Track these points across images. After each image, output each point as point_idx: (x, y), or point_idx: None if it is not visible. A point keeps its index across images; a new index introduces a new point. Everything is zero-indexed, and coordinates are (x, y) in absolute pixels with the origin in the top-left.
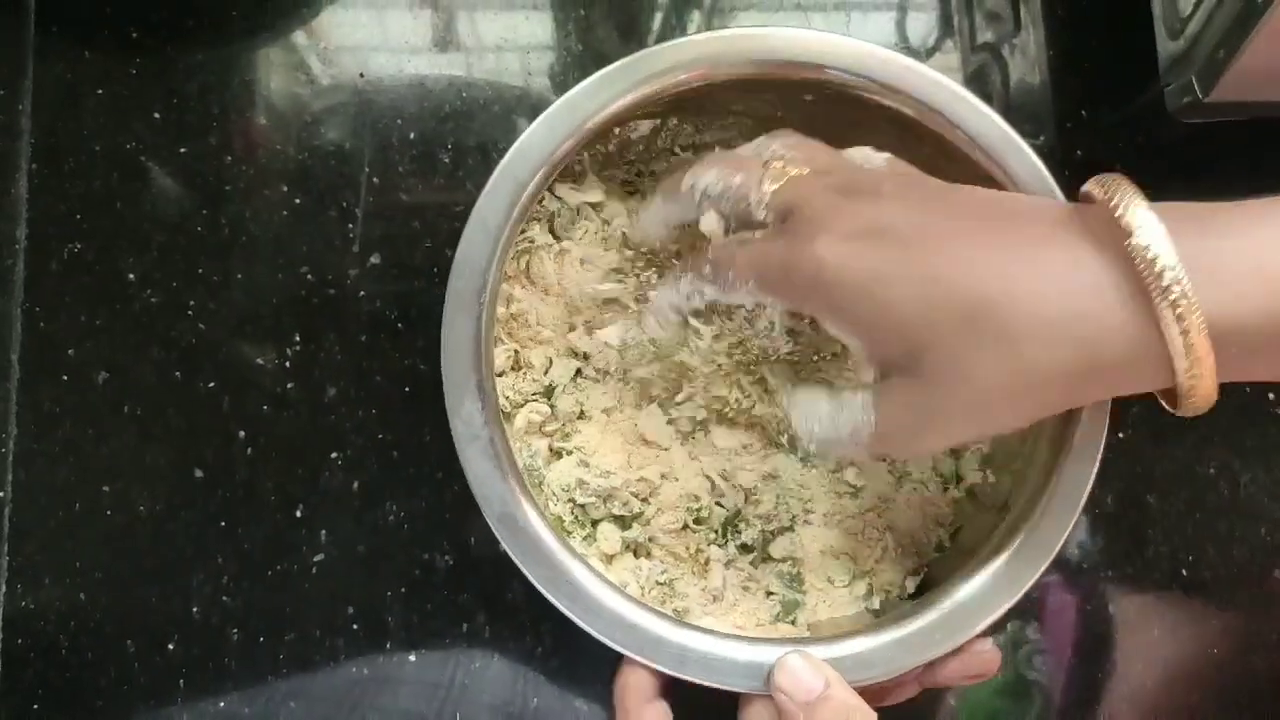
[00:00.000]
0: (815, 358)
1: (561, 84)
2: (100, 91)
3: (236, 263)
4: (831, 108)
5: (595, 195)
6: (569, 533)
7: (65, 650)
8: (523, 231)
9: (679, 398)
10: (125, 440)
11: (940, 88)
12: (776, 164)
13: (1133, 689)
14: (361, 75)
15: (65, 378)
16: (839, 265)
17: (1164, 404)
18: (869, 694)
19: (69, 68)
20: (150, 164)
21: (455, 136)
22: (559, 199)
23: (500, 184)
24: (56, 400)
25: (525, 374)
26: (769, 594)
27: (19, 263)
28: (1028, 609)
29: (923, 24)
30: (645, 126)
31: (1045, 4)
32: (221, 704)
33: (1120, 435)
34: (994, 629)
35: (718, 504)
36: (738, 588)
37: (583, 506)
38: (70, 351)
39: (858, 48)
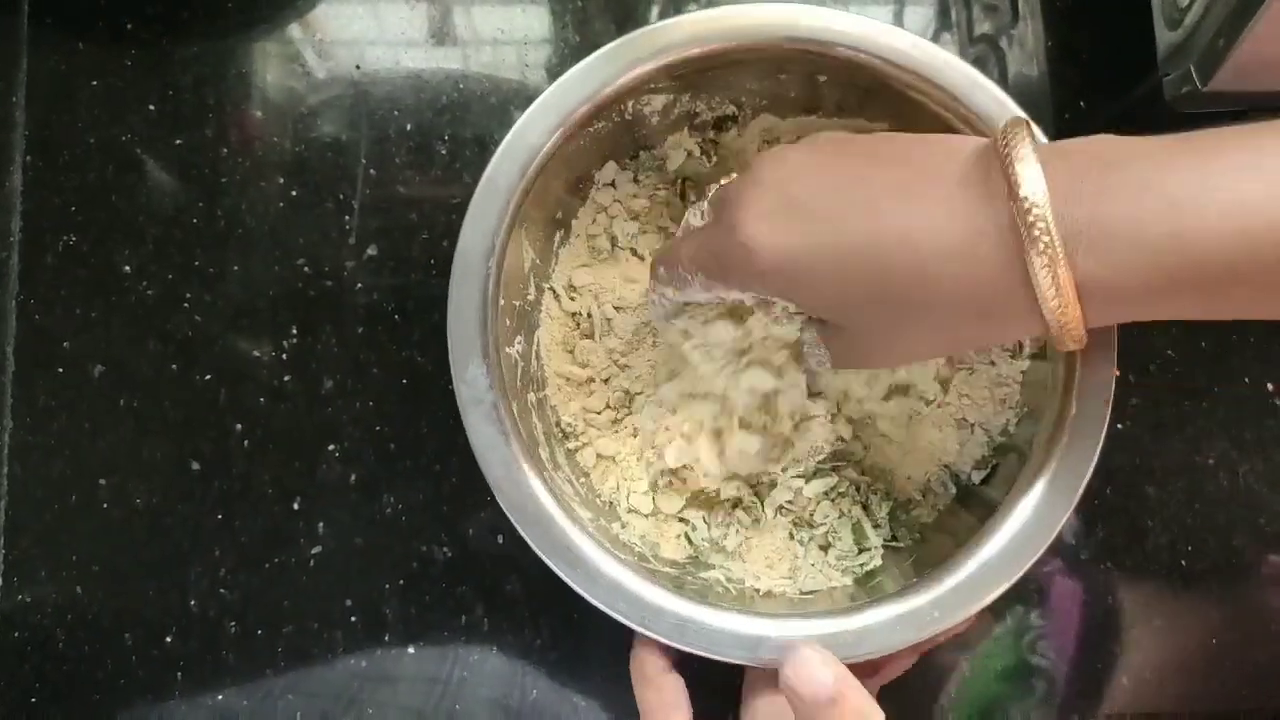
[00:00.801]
0: None
1: (559, 76)
2: (95, 84)
3: (232, 255)
4: (844, 90)
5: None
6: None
7: (62, 644)
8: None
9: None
10: (122, 433)
11: (953, 69)
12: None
13: (1134, 678)
14: (358, 67)
15: (61, 371)
16: (762, 246)
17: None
18: (862, 669)
19: (63, 60)
20: (145, 156)
21: (452, 129)
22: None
23: (512, 145)
24: (52, 393)
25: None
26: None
27: (14, 255)
28: (1031, 596)
29: (921, 15)
30: (658, 101)
31: None
32: (219, 697)
33: (1120, 426)
34: (996, 614)
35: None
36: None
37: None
38: (66, 344)
39: (868, 26)
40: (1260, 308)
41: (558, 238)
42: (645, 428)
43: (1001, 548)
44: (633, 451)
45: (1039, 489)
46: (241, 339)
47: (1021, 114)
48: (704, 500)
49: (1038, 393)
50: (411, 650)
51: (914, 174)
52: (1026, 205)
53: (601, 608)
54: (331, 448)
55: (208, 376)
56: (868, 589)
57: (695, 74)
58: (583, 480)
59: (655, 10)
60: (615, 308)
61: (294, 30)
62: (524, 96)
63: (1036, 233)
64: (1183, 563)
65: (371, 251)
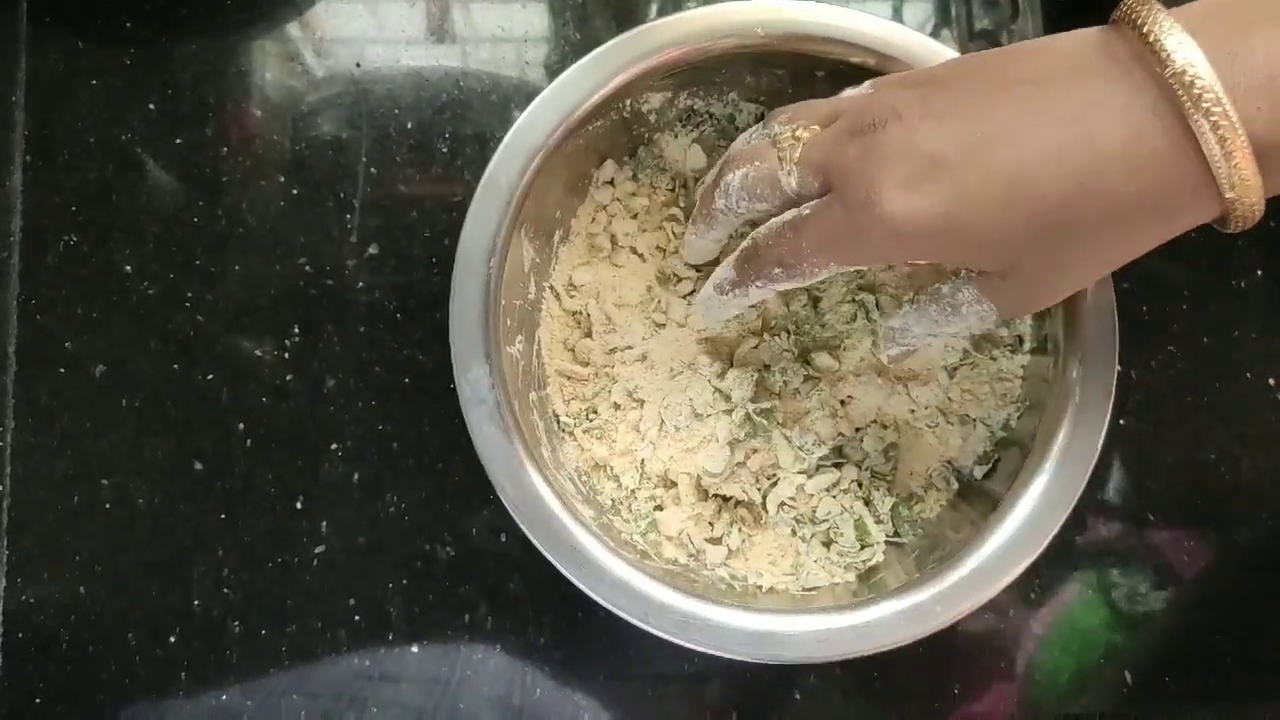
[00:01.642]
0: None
1: (559, 74)
2: (94, 83)
3: (233, 254)
4: (842, 85)
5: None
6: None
7: (66, 644)
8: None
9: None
10: (124, 433)
11: None
12: (785, 137)
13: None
14: (358, 65)
15: (62, 370)
16: (909, 218)
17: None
18: None
19: (63, 59)
20: (145, 155)
21: (453, 126)
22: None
23: (513, 145)
24: (54, 393)
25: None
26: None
27: (14, 255)
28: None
29: (921, 11)
30: (656, 99)
31: None
32: (223, 697)
33: (1122, 422)
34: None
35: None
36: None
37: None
38: (67, 344)
39: (867, 21)
40: None
41: (557, 236)
42: (646, 426)
43: (1003, 543)
44: (633, 450)
45: (1040, 484)
46: (243, 338)
47: None
48: (705, 498)
49: (1038, 387)
50: (415, 649)
51: (1044, 88)
52: (1189, 78)
53: (606, 605)
54: (334, 447)
55: (209, 376)
56: (870, 585)
57: (693, 70)
58: (584, 478)
59: (654, 7)
60: (616, 305)
61: (293, 29)
62: (524, 94)
63: (1206, 103)
64: (1185, 558)
65: (373, 250)
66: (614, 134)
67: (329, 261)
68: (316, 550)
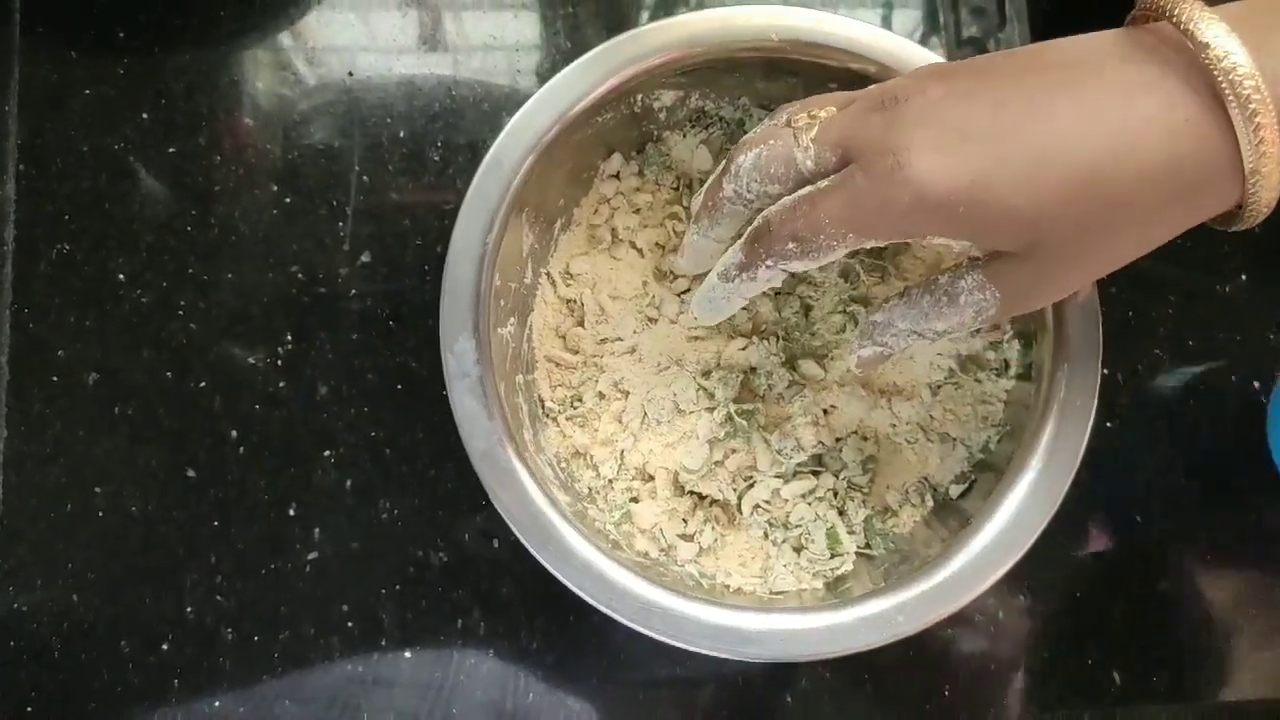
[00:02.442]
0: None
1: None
2: (88, 92)
3: (226, 262)
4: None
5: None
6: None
7: (58, 652)
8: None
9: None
10: (116, 441)
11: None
12: (800, 118)
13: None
14: (350, 74)
15: (55, 379)
16: (937, 180)
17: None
18: None
19: (56, 68)
20: (138, 164)
21: (445, 135)
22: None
23: (519, 127)
24: (47, 402)
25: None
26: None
27: (7, 264)
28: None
29: (909, 19)
30: (668, 97)
31: None
32: (216, 703)
33: (1109, 425)
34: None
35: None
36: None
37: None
38: (60, 353)
39: (858, 28)
40: None
41: (558, 224)
42: (629, 418)
43: (969, 560)
44: (614, 440)
45: (1011, 507)
46: (236, 346)
47: None
48: (682, 494)
49: (1019, 413)
50: (408, 654)
51: (1073, 70)
52: (1227, 63)
53: (570, 586)
54: (327, 454)
55: (202, 384)
56: (837, 593)
57: (707, 71)
58: (563, 465)
59: (645, 15)
60: (610, 297)
61: (286, 38)
62: (516, 103)
63: (1245, 89)
64: (1169, 559)
65: (365, 258)
66: (623, 128)
67: (321, 269)
68: (309, 557)
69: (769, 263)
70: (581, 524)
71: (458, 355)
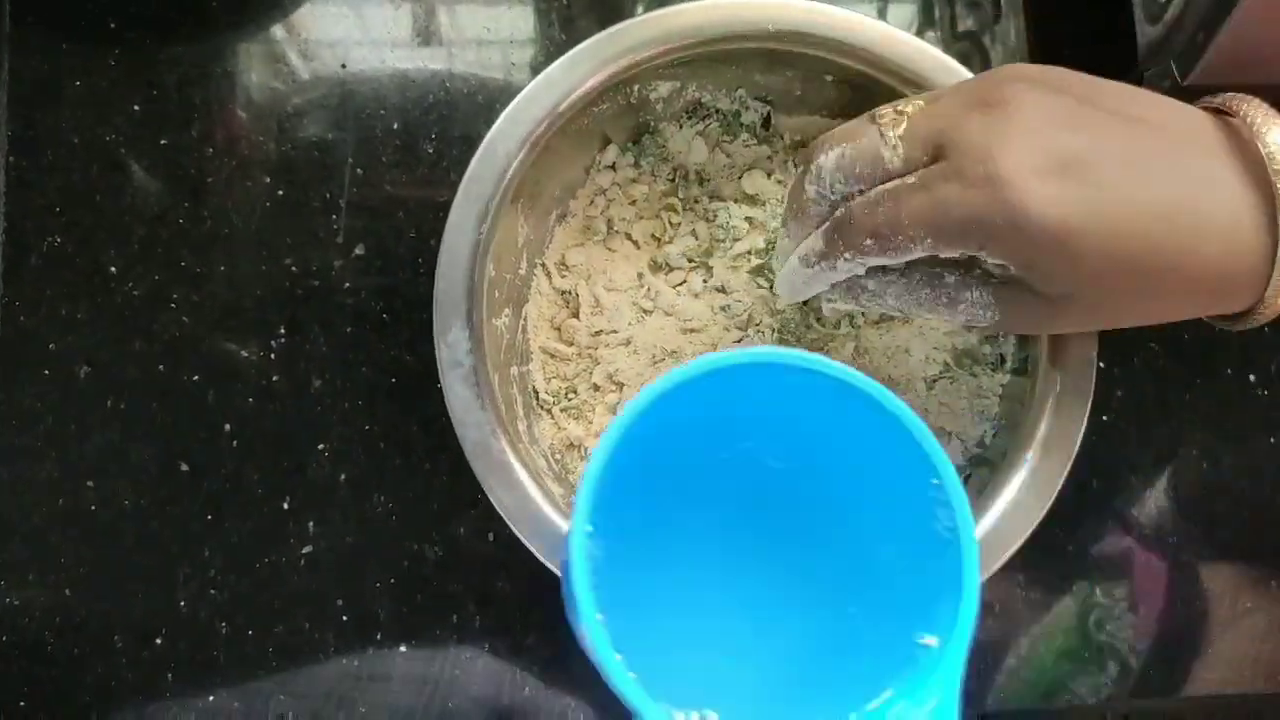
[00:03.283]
0: None
1: None
2: (79, 83)
3: (219, 255)
4: (852, 90)
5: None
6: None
7: (51, 647)
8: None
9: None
10: (109, 435)
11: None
12: (886, 114)
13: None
14: (344, 67)
15: (46, 372)
16: (1032, 209)
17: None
18: None
19: (46, 60)
20: (130, 157)
21: (439, 127)
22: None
23: (515, 115)
24: (38, 395)
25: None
26: None
27: None
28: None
29: (905, 12)
30: (664, 88)
31: None
32: (210, 698)
33: (1104, 418)
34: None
35: None
36: None
37: None
38: (51, 346)
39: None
40: None
41: (554, 216)
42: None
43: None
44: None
45: (1006, 501)
46: (229, 339)
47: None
48: None
49: (1015, 408)
50: (403, 649)
51: (1170, 141)
52: None
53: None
54: (321, 447)
55: (195, 377)
56: None
57: (704, 62)
58: (557, 456)
59: (640, 8)
60: (605, 289)
61: (279, 31)
62: (510, 95)
63: None
64: (1167, 554)
65: (359, 251)
66: (619, 119)
67: (315, 262)
68: (304, 551)
69: (847, 255)
70: None
71: (451, 345)
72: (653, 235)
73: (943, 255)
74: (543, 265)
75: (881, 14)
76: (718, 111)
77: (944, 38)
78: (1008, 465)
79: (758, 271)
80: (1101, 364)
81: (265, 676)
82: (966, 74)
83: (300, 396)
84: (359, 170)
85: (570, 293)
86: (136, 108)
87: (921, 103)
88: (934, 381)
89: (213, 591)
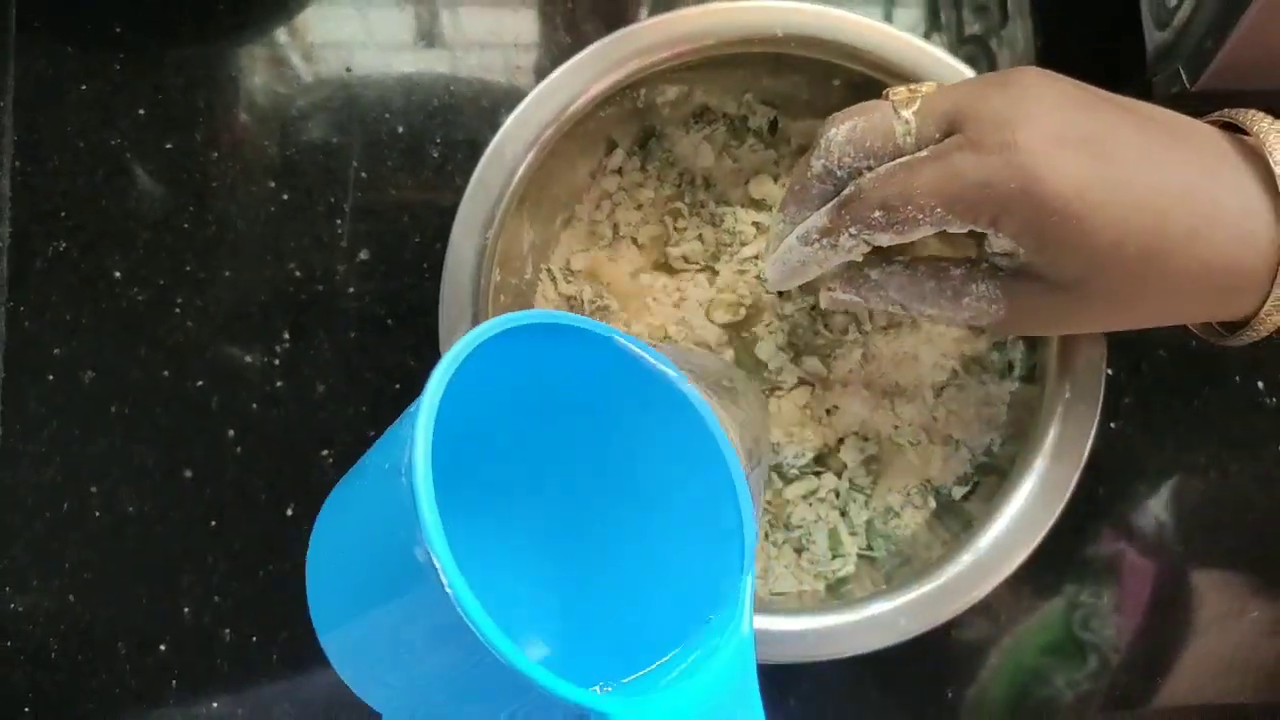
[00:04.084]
0: None
1: None
2: (84, 87)
3: (224, 260)
4: (859, 95)
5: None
6: None
7: (54, 653)
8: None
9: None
10: (113, 440)
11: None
12: (900, 92)
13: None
14: (348, 70)
15: (51, 377)
16: (1050, 175)
17: (1200, 333)
18: None
19: (51, 63)
20: (135, 161)
21: (444, 131)
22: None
23: (522, 119)
24: (42, 400)
25: None
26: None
27: (2, 261)
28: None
29: (911, 16)
30: (671, 93)
31: None
32: (214, 705)
33: (1112, 425)
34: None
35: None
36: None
37: None
38: (56, 351)
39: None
40: None
41: (560, 220)
42: None
43: (972, 563)
44: None
45: (1015, 509)
46: (233, 344)
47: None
48: None
49: (1023, 415)
50: None
51: (1181, 137)
52: None
53: None
54: (325, 453)
55: (199, 383)
56: (839, 595)
57: (707, 67)
58: None
59: (644, 11)
60: (610, 292)
61: (283, 34)
62: (514, 99)
63: None
64: (1174, 561)
65: (363, 255)
66: (626, 122)
67: (319, 267)
68: (307, 557)
69: (852, 230)
70: None
71: None
72: (658, 239)
73: (952, 231)
74: (548, 270)
75: (888, 17)
76: (725, 116)
77: (951, 42)
78: (1016, 473)
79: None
80: (1109, 371)
81: (268, 684)
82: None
83: (304, 402)
84: (363, 174)
85: (576, 298)
86: (141, 112)
87: (935, 85)
88: (942, 388)
89: (216, 598)
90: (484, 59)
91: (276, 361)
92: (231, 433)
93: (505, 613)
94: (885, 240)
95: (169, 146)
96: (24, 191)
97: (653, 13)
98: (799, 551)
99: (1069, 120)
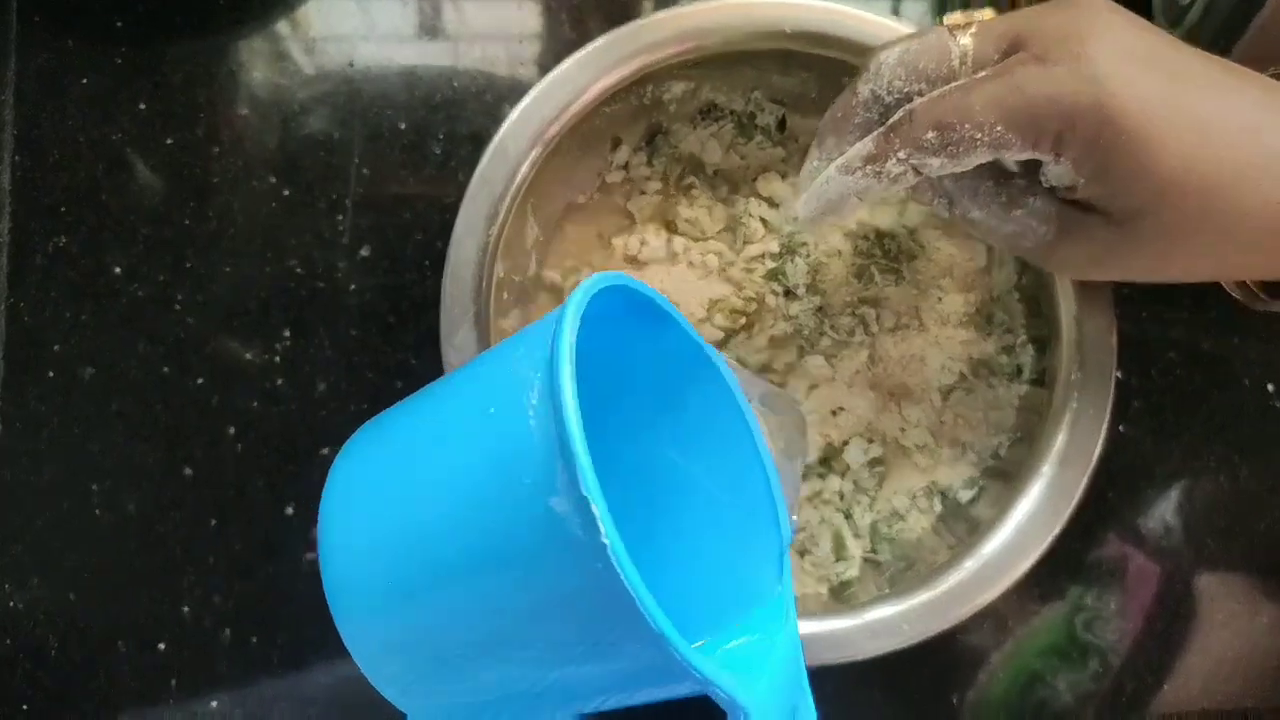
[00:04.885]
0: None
1: None
2: (84, 82)
3: (224, 256)
4: None
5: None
6: None
7: (54, 651)
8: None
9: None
10: (112, 438)
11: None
12: (954, 17)
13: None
14: (350, 64)
15: (50, 374)
16: (1122, 92)
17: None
18: None
19: (52, 58)
20: (135, 156)
21: (447, 126)
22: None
23: (526, 115)
24: (42, 397)
25: None
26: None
27: (2, 256)
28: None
29: (916, 11)
30: (678, 89)
31: None
32: (213, 704)
33: (1121, 429)
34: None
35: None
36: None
37: None
38: (55, 347)
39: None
40: None
41: (564, 216)
42: None
43: (978, 567)
44: None
45: (1022, 513)
46: (234, 341)
47: None
48: None
49: (1031, 419)
50: None
51: (1246, 78)
52: None
53: None
54: (325, 451)
55: (199, 380)
56: (842, 599)
57: (715, 64)
58: None
59: (650, 4)
60: None
61: (284, 27)
62: (518, 93)
63: None
64: (1184, 565)
65: (365, 252)
66: (632, 119)
67: (320, 263)
68: (308, 557)
69: (901, 154)
70: None
71: (458, 347)
72: (669, 202)
73: (1009, 158)
74: (552, 266)
75: (895, 13)
76: (732, 113)
77: None
78: (1025, 477)
79: (771, 276)
80: (1119, 374)
81: (269, 683)
82: None
83: (305, 400)
84: (365, 170)
85: None
86: (142, 106)
87: (992, 11)
88: (950, 391)
89: (216, 597)
90: (487, 52)
91: (277, 359)
92: (232, 430)
93: None
94: (936, 166)
95: (169, 141)
96: (24, 186)
97: (657, 7)
98: (802, 554)
99: (1140, 38)
